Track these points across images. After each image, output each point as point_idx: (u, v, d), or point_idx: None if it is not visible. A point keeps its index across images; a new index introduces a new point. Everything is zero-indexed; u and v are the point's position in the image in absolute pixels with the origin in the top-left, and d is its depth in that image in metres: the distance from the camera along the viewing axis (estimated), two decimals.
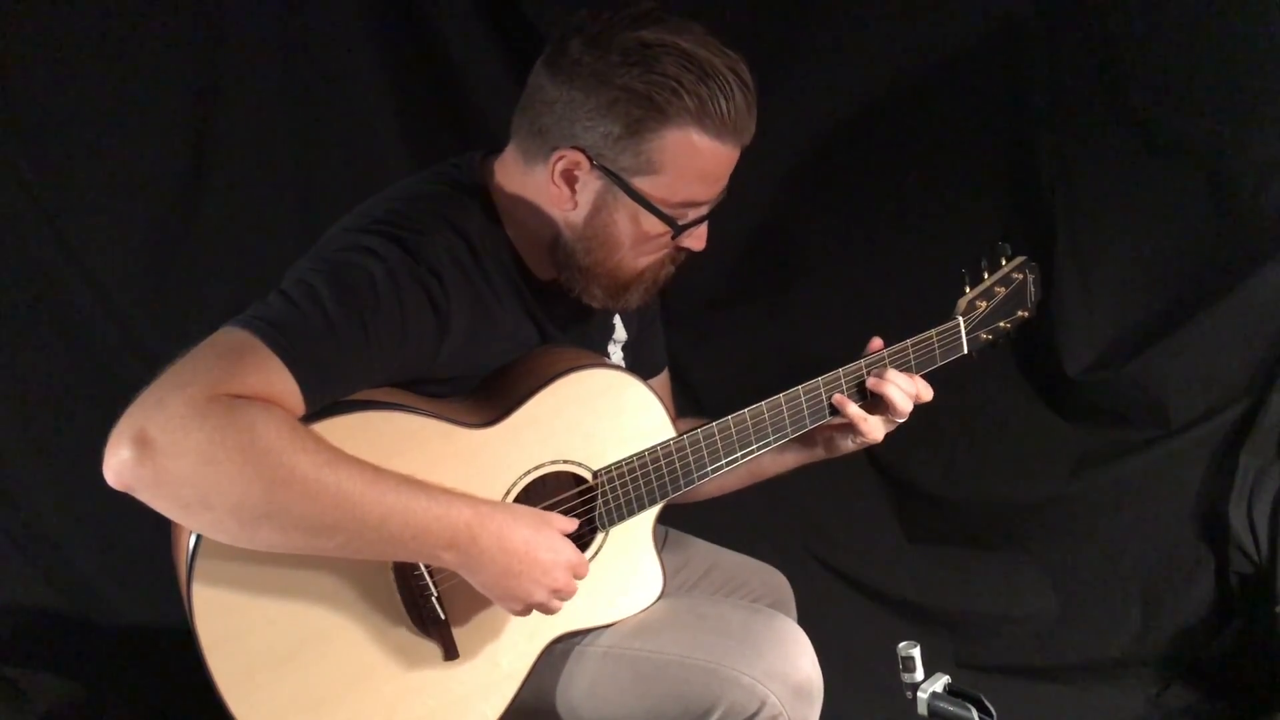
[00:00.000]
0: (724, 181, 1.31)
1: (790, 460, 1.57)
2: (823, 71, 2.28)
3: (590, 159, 1.25)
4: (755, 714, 1.33)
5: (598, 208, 1.28)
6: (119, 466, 1.01)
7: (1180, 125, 2.17)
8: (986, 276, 1.59)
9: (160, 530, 1.17)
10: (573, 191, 1.28)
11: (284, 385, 1.08)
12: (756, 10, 2.26)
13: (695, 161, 1.25)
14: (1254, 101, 2.10)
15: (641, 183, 1.25)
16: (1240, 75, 2.09)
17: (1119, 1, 2.14)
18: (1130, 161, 2.23)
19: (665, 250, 1.35)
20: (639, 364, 1.58)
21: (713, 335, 2.47)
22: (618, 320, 1.55)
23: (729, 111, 1.22)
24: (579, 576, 1.27)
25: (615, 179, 1.25)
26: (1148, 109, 2.18)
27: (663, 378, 1.66)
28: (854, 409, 1.46)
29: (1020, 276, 1.62)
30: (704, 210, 1.32)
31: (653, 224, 1.28)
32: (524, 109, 1.29)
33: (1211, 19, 2.08)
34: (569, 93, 1.23)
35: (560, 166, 1.26)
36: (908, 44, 2.25)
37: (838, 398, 1.46)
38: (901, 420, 1.49)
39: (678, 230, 1.30)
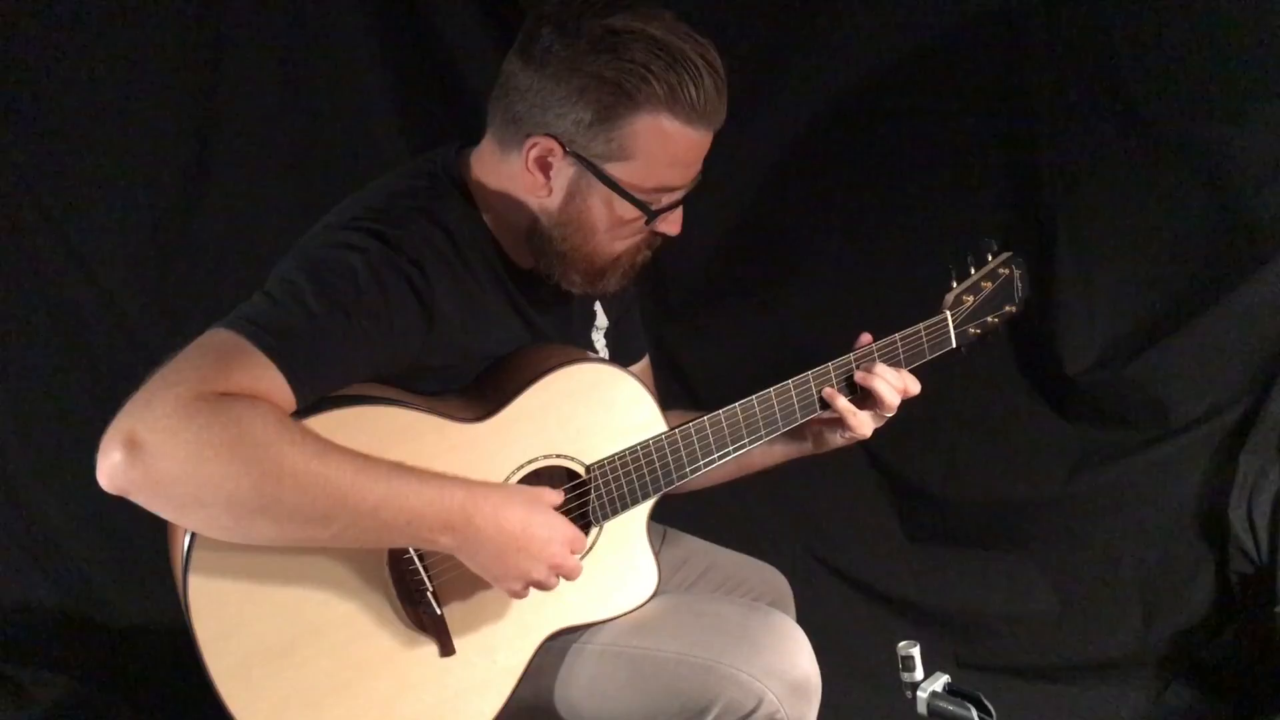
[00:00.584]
0: (697, 167, 1.31)
1: (779, 454, 1.57)
2: (819, 67, 2.28)
3: (563, 146, 1.25)
4: (753, 711, 1.33)
5: (572, 194, 1.29)
6: (111, 470, 1.02)
7: (1180, 125, 2.17)
8: (973, 272, 1.60)
9: (159, 529, 1.17)
10: (547, 178, 1.28)
11: (272, 382, 1.09)
12: (754, 5, 2.26)
13: (667, 147, 1.25)
14: (1254, 101, 2.09)
15: (614, 169, 1.26)
16: (1240, 75, 2.09)
17: (1119, 1, 2.14)
18: (1130, 161, 2.23)
19: (641, 235, 1.35)
20: (619, 351, 1.59)
21: (705, 329, 2.48)
22: (599, 307, 1.56)
23: (699, 97, 1.22)
24: (576, 552, 1.27)
25: (588, 165, 1.26)
26: (1148, 109, 2.18)
27: (644, 364, 1.66)
28: (843, 403, 1.46)
29: (1006, 272, 1.62)
30: (678, 195, 1.32)
31: (627, 209, 1.29)
32: (498, 98, 1.30)
33: (1211, 19, 2.08)
34: (540, 81, 1.24)
35: (534, 154, 1.27)
36: (906, 42, 2.25)
37: (827, 391, 1.46)
38: (890, 415, 1.49)
39: (651, 215, 1.31)
